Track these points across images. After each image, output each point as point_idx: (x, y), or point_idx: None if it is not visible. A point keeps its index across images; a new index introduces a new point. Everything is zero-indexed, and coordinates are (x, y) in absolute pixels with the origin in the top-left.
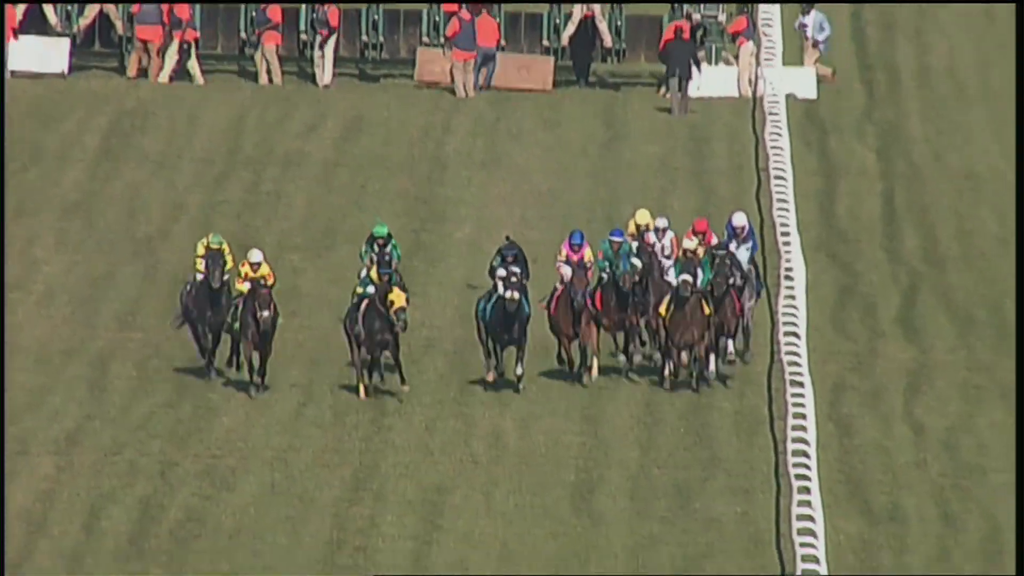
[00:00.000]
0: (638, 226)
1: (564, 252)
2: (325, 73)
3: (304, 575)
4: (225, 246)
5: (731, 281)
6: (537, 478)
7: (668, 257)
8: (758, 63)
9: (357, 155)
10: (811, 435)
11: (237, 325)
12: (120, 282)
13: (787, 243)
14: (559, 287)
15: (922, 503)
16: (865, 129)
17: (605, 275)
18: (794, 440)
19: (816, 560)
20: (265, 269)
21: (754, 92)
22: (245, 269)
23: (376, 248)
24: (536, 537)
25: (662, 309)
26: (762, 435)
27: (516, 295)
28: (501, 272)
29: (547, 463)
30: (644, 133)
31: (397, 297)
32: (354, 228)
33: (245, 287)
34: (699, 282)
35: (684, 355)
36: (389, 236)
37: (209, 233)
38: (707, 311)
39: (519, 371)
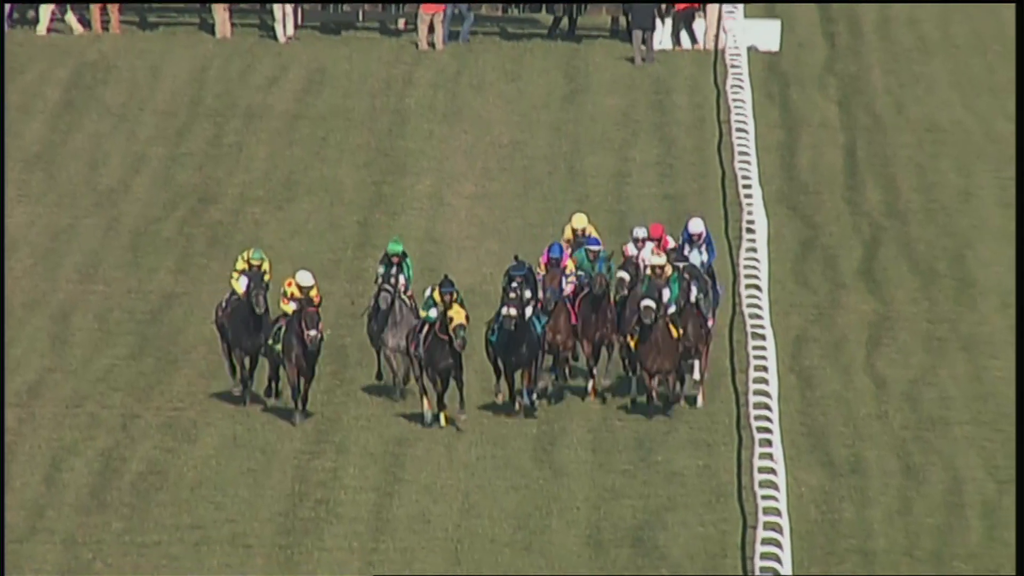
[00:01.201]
0: (575, 231)
1: (543, 265)
2: (287, 26)
3: (266, 527)
4: (266, 262)
5: (691, 296)
6: (499, 430)
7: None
8: (720, 16)
9: (319, 108)
10: (773, 387)
11: (279, 347)
12: (82, 234)
13: (748, 196)
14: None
15: (884, 455)
16: (827, 81)
17: (585, 286)
18: (756, 392)
19: (778, 512)
20: (312, 290)
21: (716, 44)
22: (292, 289)
23: (391, 265)
24: (497, 489)
25: (630, 338)
26: (724, 387)
27: (514, 311)
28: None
29: (509, 415)
30: (606, 85)
31: (456, 314)
32: (315, 181)
33: (290, 307)
34: (666, 299)
35: (655, 381)
36: (404, 254)
37: (250, 248)
38: (675, 334)
39: (530, 396)
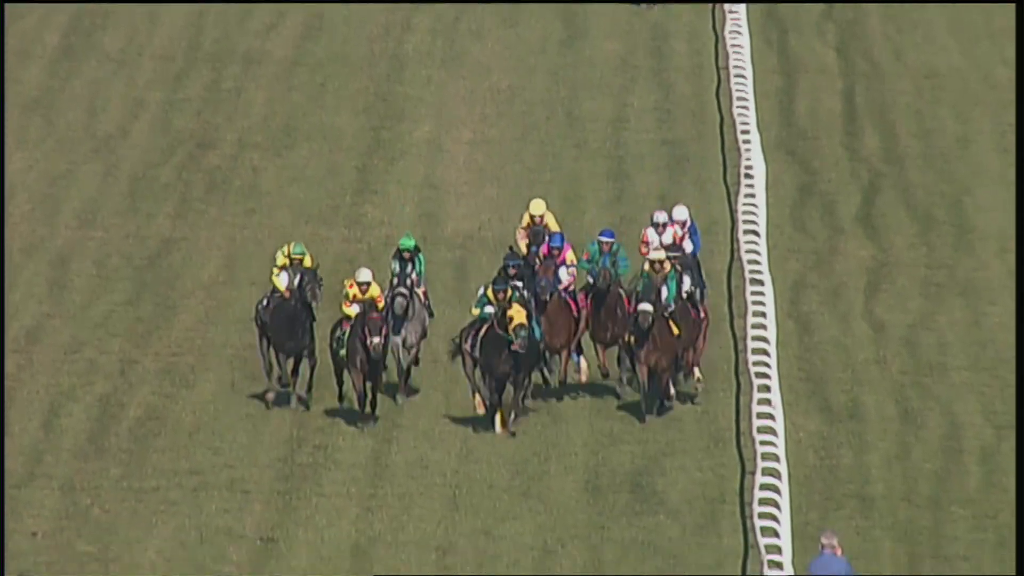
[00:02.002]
0: (532, 217)
1: (542, 254)
2: None
3: (264, 473)
4: (307, 256)
5: (683, 290)
6: None
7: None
8: None
9: (317, 54)
10: (771, 333)
11: (343, 352)
12: (80, 180)
13: (747, 141)
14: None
15: (882, 401)
16: (825, 27)
17: (592, 280)
18: (754, 338)
19: (776, 458)
20: (375, 290)
21: None
22: (353, 291)
23: (403, 261)
24: (495, 435)
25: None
26: (722, 333)
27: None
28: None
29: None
30: (604, 31)
31: (516, 313)
32: (314, 127)
33: (352, 310)
34: (664, 296)
35: (644, 371)
36: (416, 249)
37: (290, 242)
38: (676, 331)
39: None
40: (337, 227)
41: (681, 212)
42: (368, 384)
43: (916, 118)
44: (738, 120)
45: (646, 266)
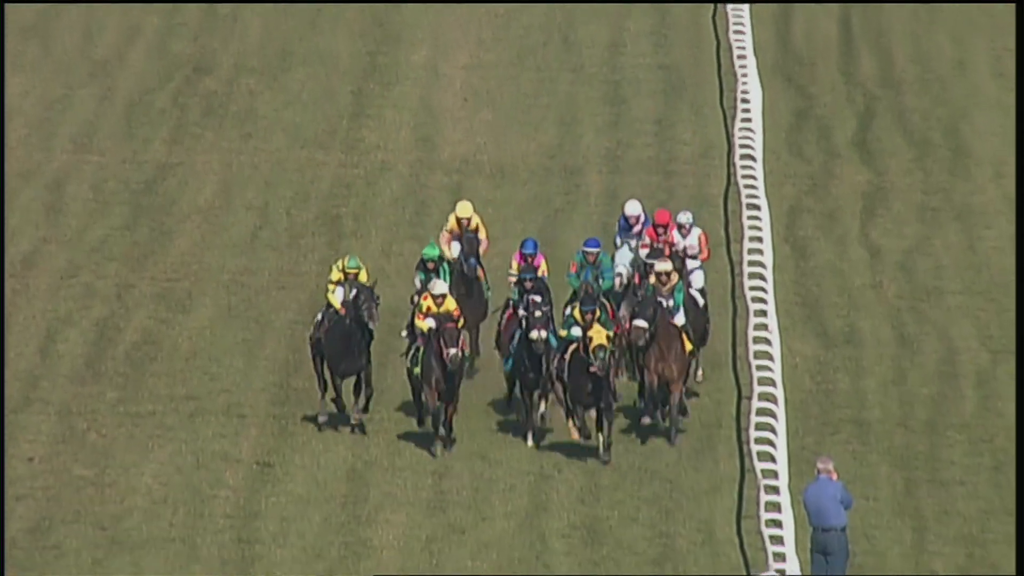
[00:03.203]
0: (459, 220)
1: (515, 264)
2: None
3: (259, 397)
4: (363, 271)
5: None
6: (492, 299)
7: (695, 258)
8: None
9: None
10: (767, 257)
11: (418, 370)
12: (76, 105)
13: (743, 66)
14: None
15: (878, 325)
16: None
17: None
18: (750, 263)
19: (772, 383)
20: (451, 303)
21: None
22: (427, 303)
23: (428, 272)
24: (495, 355)
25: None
26: (718, 257)
27: (544, 334)
28: (523, 310)
29: (503, 285)
30: None
31: (596, 334)
32: (310, 51)
33: (427, 324)
34: (671, 307)
35: (654, 380)
36: (440, 258)
37: (345, 255)
38: (688, 347)
39: (541, 416)
40: (333, 151)
41: (634, 207)
42: (443, 404)
43: (913, 42)
44: (734, 45)
45: (651, 279)
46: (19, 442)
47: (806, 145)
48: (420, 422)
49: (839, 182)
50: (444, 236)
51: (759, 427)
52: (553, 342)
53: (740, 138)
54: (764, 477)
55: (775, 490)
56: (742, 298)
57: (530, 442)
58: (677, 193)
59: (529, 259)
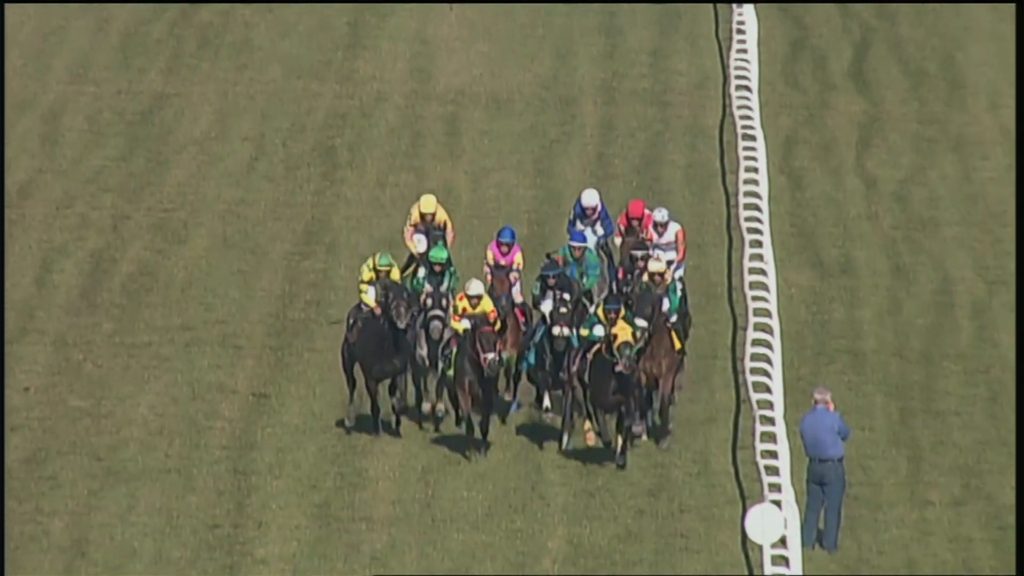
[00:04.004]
0: (423, 215)
1: (491, 255)
2: None
3: (256, 328)
4: (395, 268)
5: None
6: (488, 230)
7: (672, 256)
8: None
9: None
10: (763, 188)
11: (451, 372)
12: (71, 35)
13: None
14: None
15: (873, 255)
16: None
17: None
18: (746, 194)
19: (768, 313)
20: (488, 304)
21: None
22: (463, 304)
23: (434, 275)
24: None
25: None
26: (714, 188)
27: (567, 331)
28: (547, 305)
29: (499, 216)
30: None
31: (621, 331)
32: None
33: (463, 325)
34: (666, 308)
35: (643, 378)
36: (448, 261)
37: (376, 252)
38: (677, 345)
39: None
40: (329, 82)
41: (591, 197)
42: (477, 409)
43: None
44: None
45: (645, 277)
46: (15, 373)
47: (802, 76)
48: (457, 422)
49: (835, 113)
50: (408, 231)
51: (755, 358)
52: (575, 343)
53: (736, 69)
54: (760, 408)
55: (771, 421)
56: (737, 229)
57: (566, 444)
58: (672, 124)
59: (505, 249)
